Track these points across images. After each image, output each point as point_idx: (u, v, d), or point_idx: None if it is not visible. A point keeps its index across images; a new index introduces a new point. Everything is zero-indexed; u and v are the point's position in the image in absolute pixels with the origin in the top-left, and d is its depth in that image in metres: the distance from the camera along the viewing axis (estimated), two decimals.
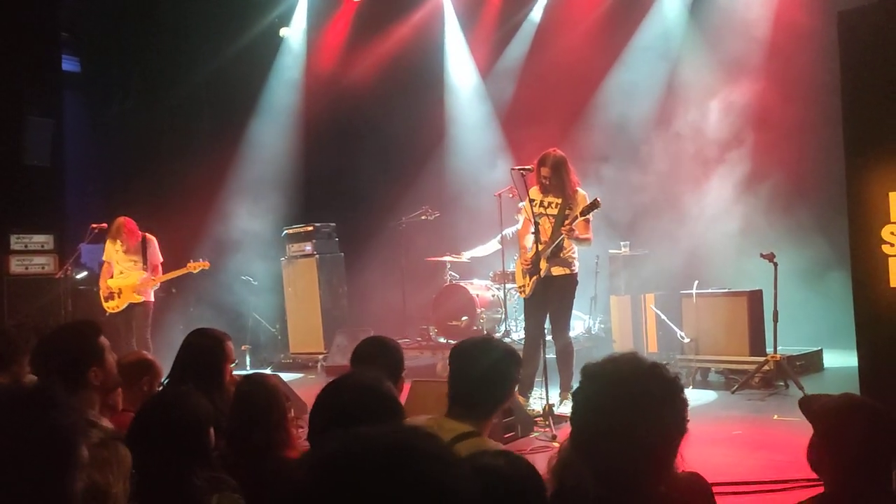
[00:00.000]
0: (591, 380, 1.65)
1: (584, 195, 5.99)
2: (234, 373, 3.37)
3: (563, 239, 5.88)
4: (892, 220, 3.93)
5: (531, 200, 6.05)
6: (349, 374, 2.16)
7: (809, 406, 2.31)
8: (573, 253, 6.07)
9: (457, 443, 2.14)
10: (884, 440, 2.01)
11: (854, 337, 4.08)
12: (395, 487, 0.93)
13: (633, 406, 1.56)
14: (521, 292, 6.35)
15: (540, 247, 5.89)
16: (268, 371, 8.00)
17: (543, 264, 5.93)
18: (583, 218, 5.82)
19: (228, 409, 2.75)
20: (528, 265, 6.10)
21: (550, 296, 6.00)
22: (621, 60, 9.38)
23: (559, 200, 5.98)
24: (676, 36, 9.18)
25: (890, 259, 3.93)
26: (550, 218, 6.00)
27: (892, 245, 3.92)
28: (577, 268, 6.11)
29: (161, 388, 3.27)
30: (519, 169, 6.19)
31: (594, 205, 5.75)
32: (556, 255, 5.97)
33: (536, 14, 10.23)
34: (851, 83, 4.05)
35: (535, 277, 6.01)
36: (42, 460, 1.58)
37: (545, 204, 6.05)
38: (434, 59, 10.73)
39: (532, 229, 5.95)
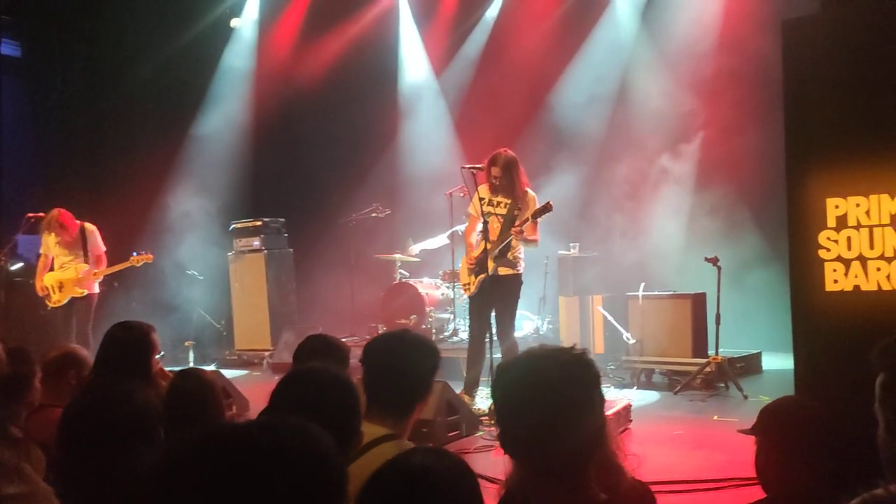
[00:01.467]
0: (505, 373, 1.65)
1: (533, 196, 6.02)
2: (177, 369, 3.28)
3: (511, 239, 5.89)
4: (828, 226, 4.01)
5: (480, 199, 6.05)
6: (312, 367, 2.10)
7: (749, 429, 2.30)
8: (520, 253, 6.09)
9: (372, 448, 2.05)
10: (822, 435, 2.06)
11: (792, 340, 4.18)
12: (235, 481, 1.00)
13: (549, 396, 1.56)
14: (465, 290, 6.35)
15: (488, 246, 5.88)
16: (211, 367, 7.83)
17: (490, 264, 5.92)
18: (533, 220, 5.85)
19: (160, 403, 2.66)
20: (473, 264, 6.10)
21: (496, 295, 6.00)
22: (574, 63, 9.48)
23: (509, 200, 5.99)
24: (628, 41, 9.32)
25: (826, 263, 4.01)
26: (499, 217, 6.01)
27: (828, 250, 4.01)
28: (522, 268, 6.14)
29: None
30: (469, 167, 6.18)
31: (546, 208, 5.77)
32: (504, 256, 5.99)
33: (492, 13, 10.26)
34: (793, 91, 4.13)
35: (480, 276, 6.00)
36: None
37: (494, 203, 6.06)
38: (388, 55, 10.67)
39: (479, 227, 5.95)
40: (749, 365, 7.66)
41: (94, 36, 10.45)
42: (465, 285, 6.32)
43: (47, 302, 7.41)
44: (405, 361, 2.32)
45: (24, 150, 10.34)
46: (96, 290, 7.50)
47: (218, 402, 2.65)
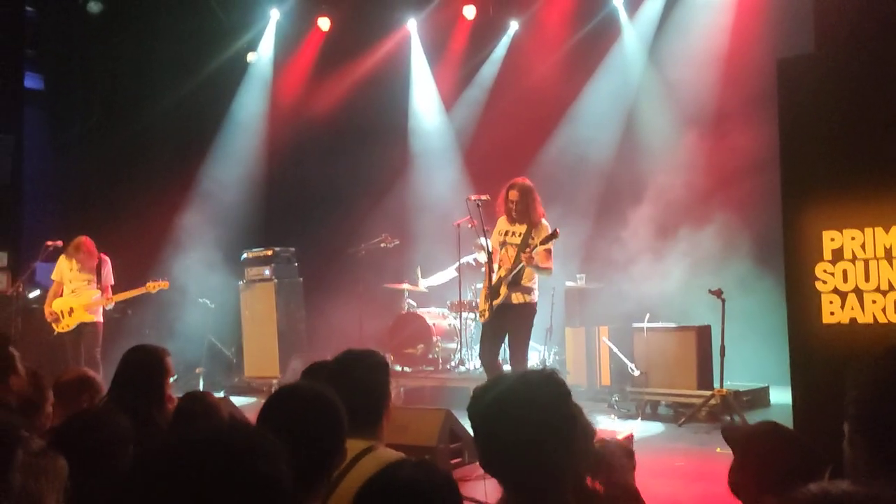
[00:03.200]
0: (480, 396, 1.74)
1: (546, 226, 6.13)
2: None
3: (523, 267, 5.98)
4: (825, 258, 4.09)
5: (500, 231, 6.22)
6: (298, 385, 2.21)
7: (732, 434, 2.43)
8: (533, 283, 6.17)
9: (359, 460, 2.20)
10: (798, 462, 2.12)
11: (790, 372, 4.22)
12: (208, 478, 1.13)
13: (519, 415, 1.65)
14: (481, 317, 6.43)
15: (503, 273, 6.02)
16: (220, 394, 7.92)
17: (504, 290, 6.04)
18: (543, 247, 5.95)
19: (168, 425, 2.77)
20: (488, 291, 6.22)
21: (507, 323, 6.09)
22: (582, 97, 9.66)
23: (524, 228, 6.10)
24: (634, 77, 9.49)
25: (823, 296, 4.08)
26: (515, 246, 6.13)
27: (824, 282, 4.08)
28: (536, 297, 6.21)
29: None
30: (475, 199, 6.34)
31: (553, 234, 5.90)
32: (517, 283, 6.07)
33: (501, 50, 10.48)
34: (788, 127, 4.23)
35: (494, 302, 6.09)
36: None
37: (510, 233, 6.19)
38: (399, 89, 10.89)
39: (484, 258, 6.09)
40: (756, 398, 7.64)
41: (114, 69, 10.75)
42: (481, 311, 6.39)
43: (54, 326, 7.55)
44: (359, 379, 2.46)
45: (44, 180, 10.60)
46: (101, 318, 7.66)
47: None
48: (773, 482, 2.08)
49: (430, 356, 8.39)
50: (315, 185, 10.58)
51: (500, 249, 6.17)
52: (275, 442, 1.23)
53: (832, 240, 4.09)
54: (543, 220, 6.16)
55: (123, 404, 2.74)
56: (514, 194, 6.11)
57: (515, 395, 1.68)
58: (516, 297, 6.07)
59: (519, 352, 6.13)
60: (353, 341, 9.37)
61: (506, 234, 6.19)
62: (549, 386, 1.72)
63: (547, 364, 8.61)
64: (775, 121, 4.35)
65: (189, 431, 1.26)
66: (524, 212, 6.09)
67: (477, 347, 8.70)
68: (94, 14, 10.34)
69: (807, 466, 2.17)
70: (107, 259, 7.73)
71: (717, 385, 6.90)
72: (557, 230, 5.93)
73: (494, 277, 6.14)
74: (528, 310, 6.15)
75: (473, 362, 8.61)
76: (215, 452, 1.16)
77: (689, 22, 8.89)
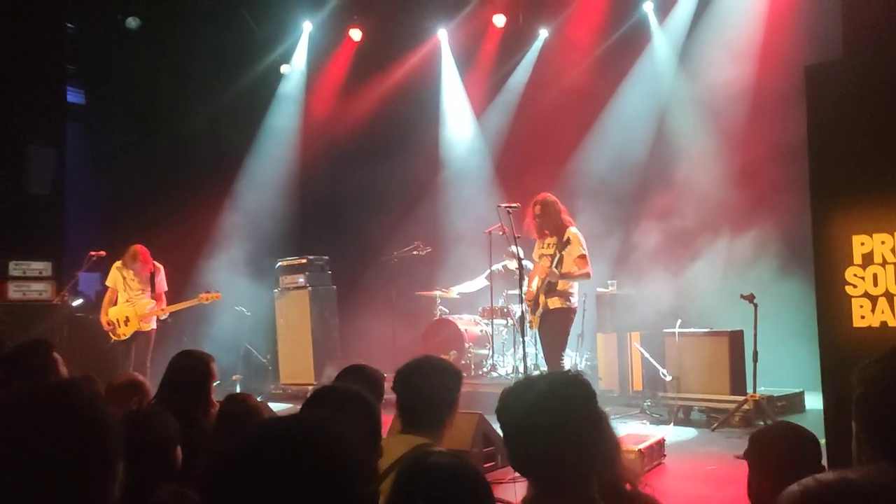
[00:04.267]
0: (507, 397, 1.82)
1: (575, 234, 6.29)
2: None
3: (549, 278, 6.18)
4: (854, 262, 4.09)
5: (537, 248, 6.51)
6: (334, 385, 2.33)
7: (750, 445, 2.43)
8: (571, 287, 6.32)
9: (414, 453, 2.30)
10: (804, 456, 2.16)
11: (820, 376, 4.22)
12: (291, 467, 1.19)
13: (544, 416, 1.72)
14: (530, 326, 6.60)
15: (537, 285, 6.30)
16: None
17: (542, 298, 6.27)
18: (572, 257, 6.16)
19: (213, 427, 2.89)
20: (530, 302, 6.44)
21: (546, 327, 6.30)
22: (613, 103, 9.68)
23: (555, 240, 6.30)
24: (666, 82, 9.50)
25: (853, 300, 4.09)
26: (549, 257, 6.32)
27: (854, 286, 4.09)
28: (574, 301, 6.38)
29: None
30: (506, 206, 6.47)
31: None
32: (554, 289, 6.26)
33: (531, 57, 10.55)
34: (817, 133, 4.24)
35: (537, 312, 6.35)
36: (87, 460, 1.33)
37: (544, 245, 6.44)
38: (430, 97, 11.02)
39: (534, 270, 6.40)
40: (791, 404, 7.58)
41: (151, 83, 11.03)
42: (529, 322, 6.60)
43: (111, 335, 7.70)
44: (430, 383, 2.62)
45: (85, 191, 10.91)
46: (155, 325, 7.84)
47: None
48: (789, 481, 2.13)
49: (463, 362, 8.47)
50: (347, 194, 10.74)
51: (540, 262, 6.43)
52: (339, 424, 1.31)
53: (862, 244, 4.10)
54: (571, 229, 6.33)
55: (171, 407, 2.87)
56: (537, 209, 6.41)
57: (542, 396, 1.76)
58: (552, 302, 6.29)
59: (553, 354, 6.28)
60: (386, 348, 9.51)
61: (542, 247, 6.46)
62: (575, 387, 1.80)
63: (579, 368, 8.65)
64: (804, 125, 4.36)
65: (267, 423, 1.35)
66: (551, 224, 6.35)
67: (508, 353, 8.79)
68: (133, 30, 10.64)
69: (819, 461, 2.21)
70: (160, 267, 7.89)
71: (750, 390, 6.87)
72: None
73: (534, 286, 6.35)
74: (565, 314, 6.33)
75: (505, 368, 8.68)
76: (292, 440, 1.24)
77: (720, 26, 8.88)
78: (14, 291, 9.05)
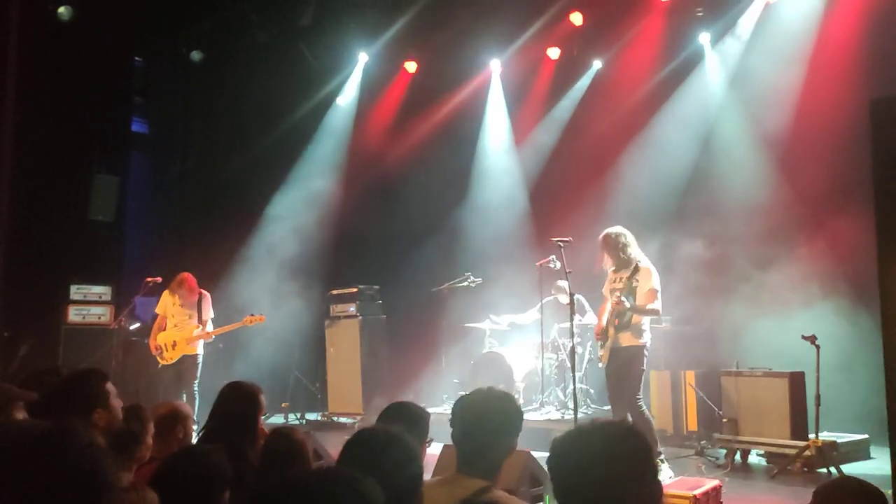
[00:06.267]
0: (559, 446, 1.75)
1: (646, 267, 6.17)
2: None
3: (622, 310, 6.05)
4: None
5: (609, 280, 6.37)
6: (375, 428, 2.27)
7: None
8: (643, 324, 6.15)
9: (477, 498, 2.27)
10: None
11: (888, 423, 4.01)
12: None
13: (595, 470, 1.65)
14: (600, 361, 6.46)
15: (607, 318, 6.18)
16: (304, 429, 8.08)
17: (611, 332, 6.12)
18: (643, 290, 6.07)
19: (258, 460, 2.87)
20: (599, 337, 6.31)
21: (617, 365, 6.14)
22: (661, 132, 9.50)
23: (627, 273, 6.16)
24: (715, 111, 9.30)
25: None
26: (618, 292, 6.19)
27: None
28: (646, 338, 6.20)
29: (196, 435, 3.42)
30: (558, 240, 6.38)
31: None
32: (626, 325, 6.11)
33: (582, 88, 10.48)
34: (883, 168, 4.09)
35: (607, 346, 6.20)
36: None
37: (616, 279, 6.30)
38: (480, 127, 11.04)
39: (608, 306, 6.22)
40: (855, 450, 7.21)
41: (210, 114, 11.34)
42: (600, 357, 6.46)
43: (159, 360, 7.92)
44: (492, 426, 2.50)
45: (145, 218, 11.22)
46: (202, 351, 7.98)
47: (306, 460, 2.83)
48: None
49: None
50: (399, 224, 10.79)
51: (611, 297, 6.22)
52: (369, 485, 1.28)
53: None
54: (644, 262, 6.21)
55: (219, 438, 2.87)
56: (602, 245, 6.34)
57: (593, 448, 1.69)
58: (624, 338, 6.13)
59: (628, 393, 6.12)
60: (435, 379, 9.46)
61: (613, 281, 6.30)
62: (629, 440, 1.73)
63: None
64: (867, 160, 4.21)
65: (295, 479, 1.34)
66: (617, 259, 6.22)
67: (558, 388, 8.64)
68: (196, 62, 10.98)
69: None
70: (207, 294, 8.10)
71: (812, 435, 6.57)
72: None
73: (605, 321, 6.21)
74: (636, 351, 6.14)
75: (554, 404, 8.53)
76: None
77: (774, 56, 8.67)
78: (74, 315, 9.32)
